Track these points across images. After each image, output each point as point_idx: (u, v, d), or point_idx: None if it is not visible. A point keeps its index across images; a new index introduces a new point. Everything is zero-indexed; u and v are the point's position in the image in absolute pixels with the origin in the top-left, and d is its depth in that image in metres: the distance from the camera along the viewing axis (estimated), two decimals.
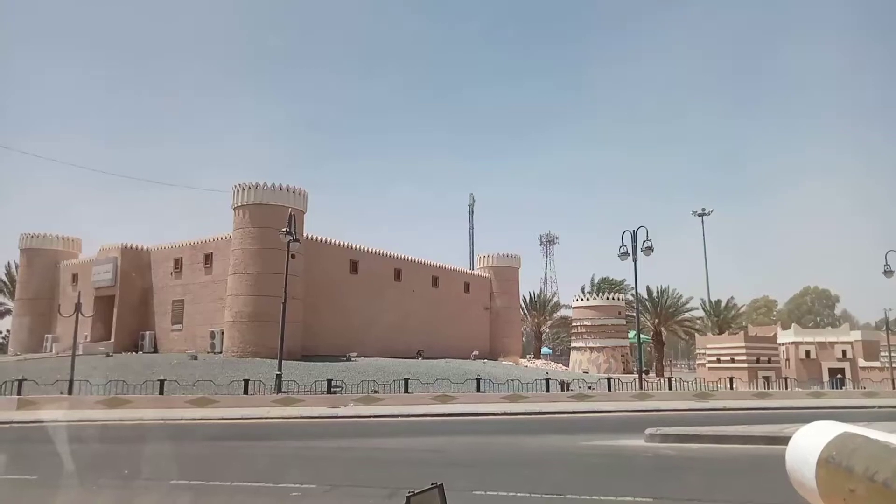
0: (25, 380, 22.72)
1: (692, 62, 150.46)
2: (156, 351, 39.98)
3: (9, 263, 58.52)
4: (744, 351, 41.39)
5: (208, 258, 40.07)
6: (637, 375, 31.25)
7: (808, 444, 1.48)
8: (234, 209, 37.32)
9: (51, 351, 42.63)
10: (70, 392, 22.85)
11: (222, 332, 36.52)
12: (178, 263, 41.59)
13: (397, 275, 46.30)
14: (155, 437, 15.80)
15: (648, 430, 14.45)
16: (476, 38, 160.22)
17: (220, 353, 35.99)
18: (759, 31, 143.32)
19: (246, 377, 24.93)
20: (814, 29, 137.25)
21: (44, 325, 45.11)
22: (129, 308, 41.60)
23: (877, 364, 44.07)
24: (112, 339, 40.49)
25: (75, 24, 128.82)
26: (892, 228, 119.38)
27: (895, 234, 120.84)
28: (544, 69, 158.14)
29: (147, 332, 41.10)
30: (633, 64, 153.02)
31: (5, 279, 59.82)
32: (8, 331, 57.19)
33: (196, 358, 33.96)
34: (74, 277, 45.25)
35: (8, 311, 57.67)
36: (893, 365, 41.32)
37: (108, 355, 36.54)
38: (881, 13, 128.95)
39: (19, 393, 22.04)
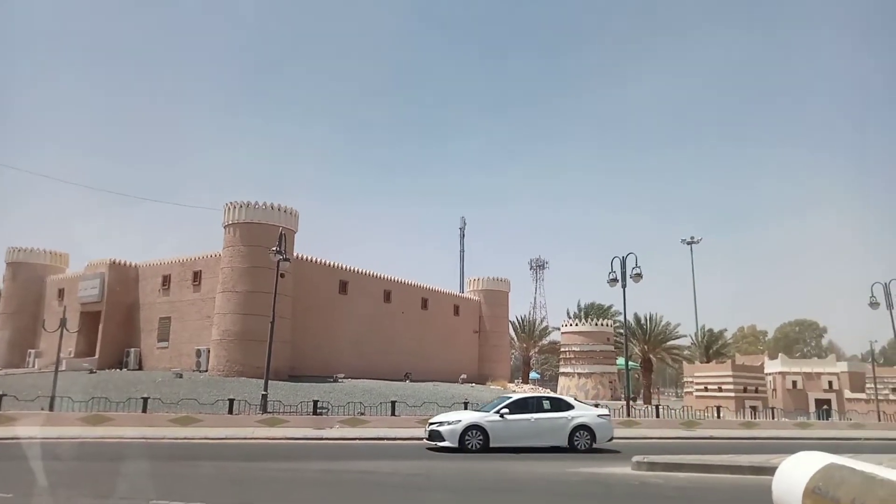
0: (5, 395, 22.33)
1: (688, 90, 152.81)
2: (140, 368, 39.49)
3: None
4: (731, 380, 41.45)
5: (197, 275, 39.84)
6: (625, 402, 31.17)
7: (794, 474, 1.49)
8: (224, 227, 37.23)
9: (33, 366, 42.03)
10: (51, 408, 22.46)
11: (209, 351, 36.17)
12: (166, 280, 41.31)
13: (387, 296, 46.17)
14: (135, 456, 15.52)
15: (635, 458, 14.37)
16: (470, 60, 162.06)
17: (206, 371, 35.61)
18: (756, 59, 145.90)
19: (231, 396, 24.64)
20: (809, 56, 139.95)
21: (27, 339, 44.54)
22: (114, 324, 41.17)
23: (863, 396, 44.23)
24: (96, 356, 40.01)
25: (65, 36, 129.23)
26: (879, 261, 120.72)
27: (882, 267, 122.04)
28: (537, 94, 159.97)
29: (132, 349, 40.64)
30: (627, 90, 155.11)
31: None
32: None
33: (181, 376, 33.57)
34: (60, 292, 44.81)
35: None
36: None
37: (91, 371, 36.05)
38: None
39: None
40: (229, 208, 37.01)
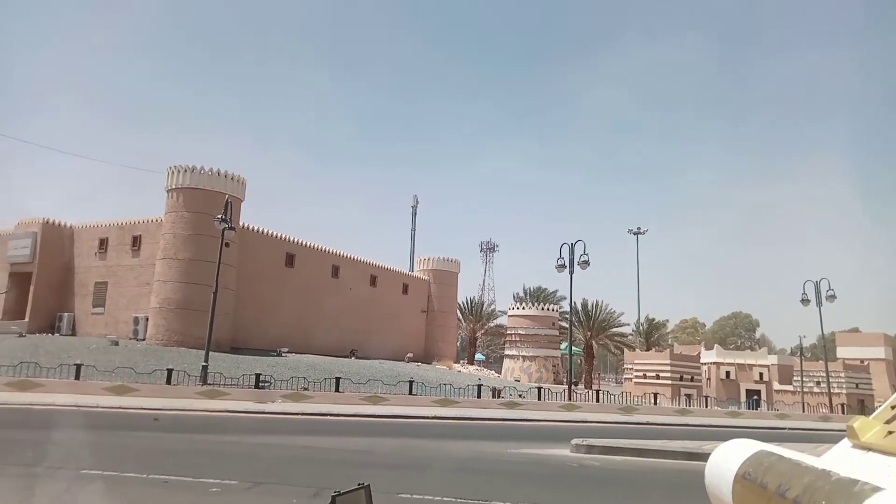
0: None
1: (640, 82, 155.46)
2: (74, 334, 37.98)
3: None
4: (669, 368, 42.80)
5: (136, 240, 38.40)
6: (567, 386, 31.81)
7: (726, 460, 1.52)
8: (167, 191, 35.96)
9: None
10: None
11: (147, 319, 35.07)
12: (103, 243, 39.67)
13: (335, 272, 45.65)
14: (67, 424, 14.93)
15: (575, 441, 14.67)
16: (430, 51, 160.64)
17: (144, 340, 34.53)
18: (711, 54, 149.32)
19: (170, 367, 24.03)
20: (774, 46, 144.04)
21: None
22: (46, 287, 39.38)
23: (790, 388, 46.41)
24: (26, 319, 38.24)
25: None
26: (813, 258, 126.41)
27: (816, 264, 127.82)
28: (492, 85, 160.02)
29: (65, 314, 39.01)
30: (581, 82, 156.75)
31: None
32: None
33: (117, 344, 32.47)
34: None
35: None
36: (804, 389, 43.61)
37: (21, 335, 34.50)
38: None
39: None
40: (173, 172, 35.70)
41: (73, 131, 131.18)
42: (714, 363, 48.88)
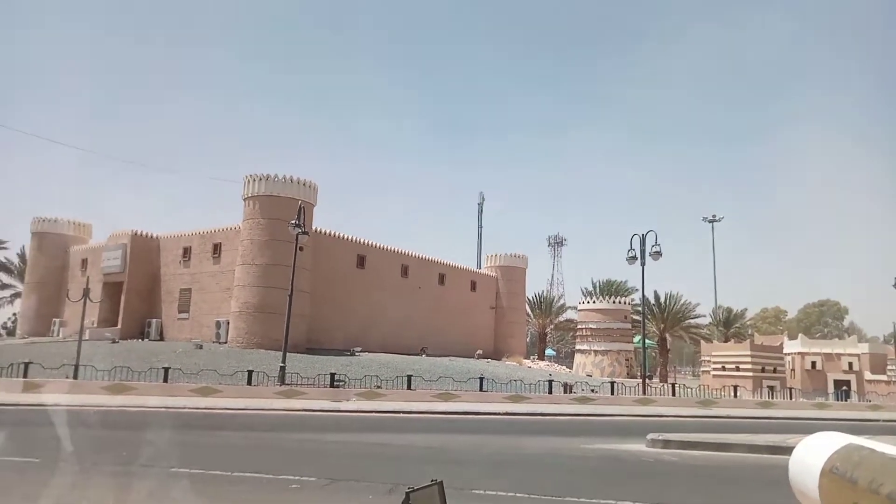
0: (32, 363, 22.88)
1: (710, 69, 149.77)
2: (161, 339, 40.17)
3: (23, 248, 59.00)
4: (749, 359, 41.15)
5: (217, 248, 40.22)
6: (641, 380, 31.12)
7: (811, 454, 1.46)
8: (244, 200, 37.44)
9: (58, 335, 42.92)
10: (75, 377, 23.00)
11: (228, 323, 36.66)
12: (186, 252, 41.77)
13: (404, 271, 46.31)
14: (157, 425, 15.86)
15: (650, 436, 14.37)
16: (494, 46, 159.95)
17: (226, 343, 36.13)
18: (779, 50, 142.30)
19: (250, 368, 25.01)
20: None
21: (52, 309, 45.40)
22: (136, 295, 41.81)
23: (883, 377, 43.71)
24: (119, 326, 40.71)
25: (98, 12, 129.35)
26: None
27: None
28: (558, 79, 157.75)
29: (153, 320, 41.31)
30: (648, 71, 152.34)
31: (18, 262, 60.33)
32: (15, 314, 57.71)
33: (201, 347, 34.11)
34: (84, 262, 45.50)
35: (18, 295, 58.12)
36: None
37: (114, 341, 36.73)
38: None
39: (25, 376, 22.20)
40: (249, 181, 37.16)
41: (154, 148, 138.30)
42: (798, 353, 46.61)
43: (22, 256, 58.26)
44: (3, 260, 63.31)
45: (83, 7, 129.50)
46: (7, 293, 64.18)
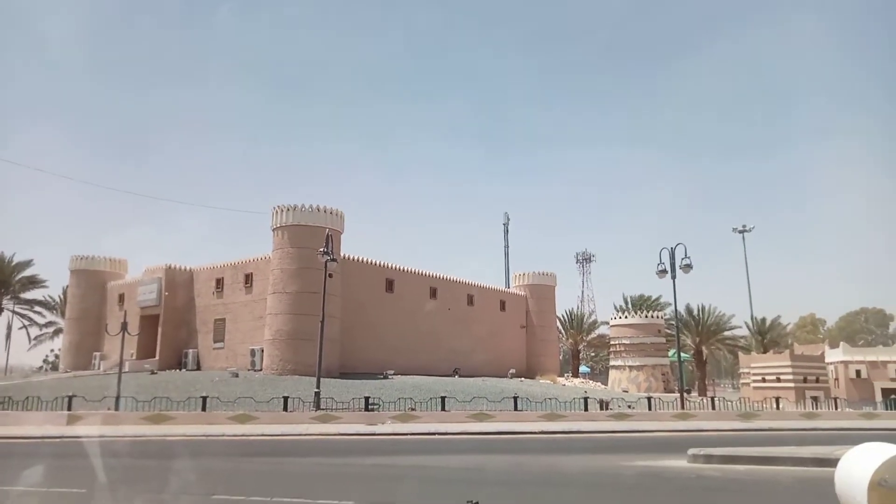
0: (75, 396, 23.42)
1: (733, 79, 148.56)
2: (198, 368, 40.76)
3: (64, 287, 60.62)
4: (790, 370, 40.18)
5: (248, 278, 40.86)
6: (678, 395, 30.57)
7: (858, 465, 1.42)
8: (273, 230, 38.06)
9: (98, 368, 43.85)
10: (117, 408, 23.48)
11: (262, 350, 37.09)
12: (219, 283, 42.50)
13: (433, 293, 46.41)
14: (198, 453, 16.08)
15: (691, 451, 14.10)
16: (523, 64, 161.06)
17: (261, 370, 36.52)
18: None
19: (285, 394, 25.21)
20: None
21: (92, 343, 46.47)
22: (172, 326, 42.61)
23: None
24: (157, 357, 41.48)
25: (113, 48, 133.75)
26: None
27: None
28: (579, 91, 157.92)
29: (190, 350, 41.99)
30: (673, 83, 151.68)
31: (61, 300, 62.01)
32: (57, 349, 59.19)
33: (237, 375, 34.53)
34: (121, 297, 46.56)
35: (60, 331, 59.66)
36: None
37: (153, 372, 37.42)
38: None
39: (69, 409, 22.70)
40: (277, 211, 37.82)
41: (184, 182, 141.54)
42: (841, 362, 45.36)
43: (63, 294, 59.84)
44: (45, 297, 65.22)
45: (113, 59, 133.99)
46: (49, 329, 66.01)
